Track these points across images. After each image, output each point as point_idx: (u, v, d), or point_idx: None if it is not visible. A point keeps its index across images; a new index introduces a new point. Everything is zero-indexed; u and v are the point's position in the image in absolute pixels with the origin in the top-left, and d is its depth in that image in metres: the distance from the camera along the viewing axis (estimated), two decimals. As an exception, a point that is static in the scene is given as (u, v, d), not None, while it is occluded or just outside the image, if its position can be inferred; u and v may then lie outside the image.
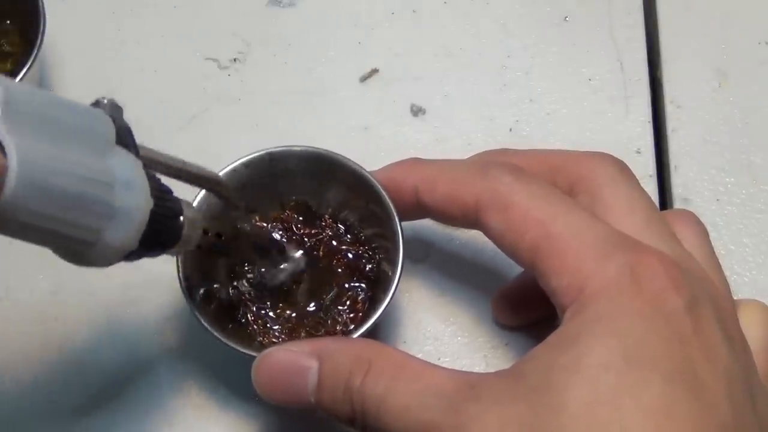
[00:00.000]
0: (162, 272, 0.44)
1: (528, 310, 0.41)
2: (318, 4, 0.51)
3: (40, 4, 0.43)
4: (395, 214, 0.38)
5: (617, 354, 0.28)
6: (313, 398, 0.33)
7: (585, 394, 0.28)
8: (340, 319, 0.39)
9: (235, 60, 0.49)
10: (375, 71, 0.49)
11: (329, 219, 0.41)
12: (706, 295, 0.31)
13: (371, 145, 0.47)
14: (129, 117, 0.47)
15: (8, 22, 0.46)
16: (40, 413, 0.42)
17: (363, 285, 0.40)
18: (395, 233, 0.38)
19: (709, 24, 0.50)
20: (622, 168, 0.36)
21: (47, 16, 0.43)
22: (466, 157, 0.41)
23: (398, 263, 0.37)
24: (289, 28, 0.50)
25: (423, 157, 0.39)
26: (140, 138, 0.47)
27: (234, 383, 0.42)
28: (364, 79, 0.49)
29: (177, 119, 0.48)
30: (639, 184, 0.36)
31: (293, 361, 0.33)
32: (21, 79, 0.42)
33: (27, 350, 0.43)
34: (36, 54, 0.43)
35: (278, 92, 0.49)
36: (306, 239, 0.41)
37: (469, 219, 0.35)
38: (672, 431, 0.27)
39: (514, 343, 0.43)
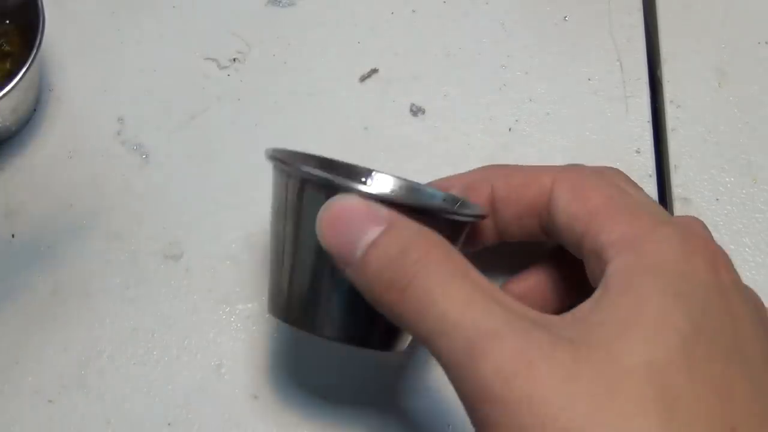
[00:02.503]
0: (162, 272, 0.44)
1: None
2: (318, 3, 0.51)
3: (40, 4, 0.43)
4: None
5: (686, 320, 0.28)
6: (360, 253, 0.31)
7: (654, 358, 0.27)
8: None
9: (234, 60, 0.49)
10: (374, 71, 0.49)
11: None
12: (738, 276, 0.32)
13: (370, 145, 0.47)
14: (129, 116, 0.48)
15: (8, 21, 0.46)
16: (40, 413, 0.42)
17: None
18: None
19: (709, 24, 0.50)
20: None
21: (47, 16, 0.43)
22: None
23: None
24: (288, 28, 0.50)
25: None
26: (140, 137, 0.47)
27: (231, 380, 0.42)
28: (363, 79, 0.49)
29: (176, 119, 0.48)
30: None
31: (365, 210, 0.31)
32: (20, 78, 0.42)
33: (27, 350, 0.43)
34: (36, 54, 0.43)
35: (278, 92, 0.49)
36: None
37: (541, 202, 0.35)
38: (732, 409, 0.27)
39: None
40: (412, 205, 0.32)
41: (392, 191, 0.38)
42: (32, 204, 0.46)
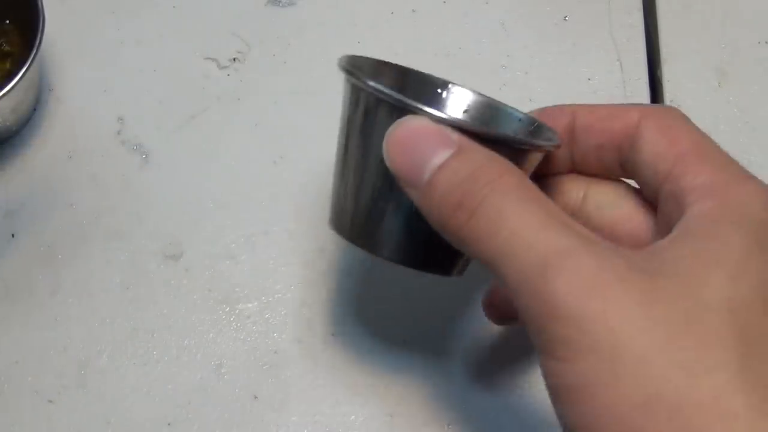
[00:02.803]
0: (162, 272, 0.44)
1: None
2: (317, 3, 0.51)
3: (40, 3, 0.43)
4: None
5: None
6: (429, 175, 0.30)
7: (736, 297, 0.27)
8: None
9: (234, 60, 0.49)
10: (375, 71, 0.49)
11: None
12: None
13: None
14: (129, 116, 0.48)
15: (8, 21, 0.46)
16: (40, 413, 0.42)
17: None
18: None
19: (709, 24, 0.50)
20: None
21: (47, 16, 0.43)
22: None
23: None
24: (288, 28, 0.50)
25: None
26: (140, 137, 0.47)
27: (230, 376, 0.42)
28: (363, 78, 0.49)
29: (176, 119, 0.48)
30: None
31: (436, 132, 0.31)
32: (20, 78, 0.42)
33: (27, 350, 0.43)
34: (35, 54, 0.43)
35: (278, 92, 0.48)
36: None
37: (626, 135, 0.34)
38: None
39: (514, 343, 0.43)
40: (483, 133, 0.31)
41: (468, 106, 0.37)
42: (32, 204, 0.46)
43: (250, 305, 0.44)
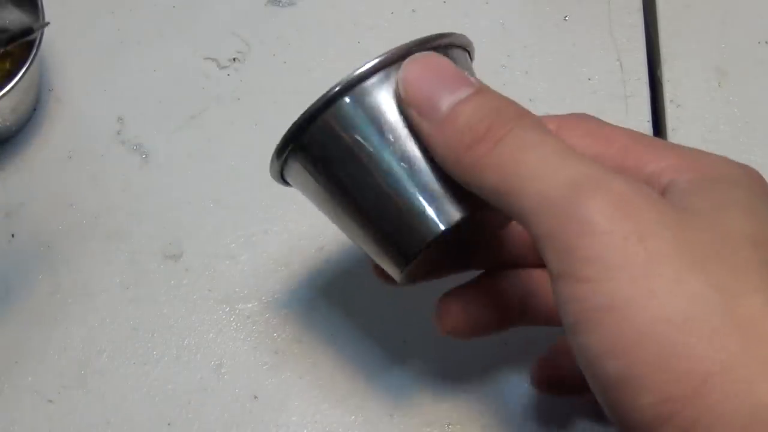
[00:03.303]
0: (162, 272, 0.44)
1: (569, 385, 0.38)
2: (317, 3, 0.51)
3: (40, 3, 0.43)
4: None
5: None
6: (447, 106, 0.30)
7: (755, 231, 0.27)
8: None
9: (234, 60, 0.49)
10: (375, 71, 0.49)
11: None
12: None
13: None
14: (129, 116, 0.48)
15: (8, 21, 0.46)
16: (40, 413, 0.42)
17: None
18: None
19: (709, 24, 0.50)
20: None
21: (47, 16, 0.43)
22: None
23: None
24: (288, 28, 0.50)
25: None
26: (140, 137, 0.47)
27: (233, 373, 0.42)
28: (363, 78, 0.49)
29: (176, 119, 0.48)
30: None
31: (456, 70, 0.31)
32: (20, 78, 0.42)
33: (27, 350, 0.43)
34: (35, 53, 0.43)
35: (278, 92, 0.48)
36: None
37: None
38: None
39: (514, 342, 0.43)
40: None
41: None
42: (32, 204, 0.46)
43: (250, 305, 0.44)
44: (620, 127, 0.33)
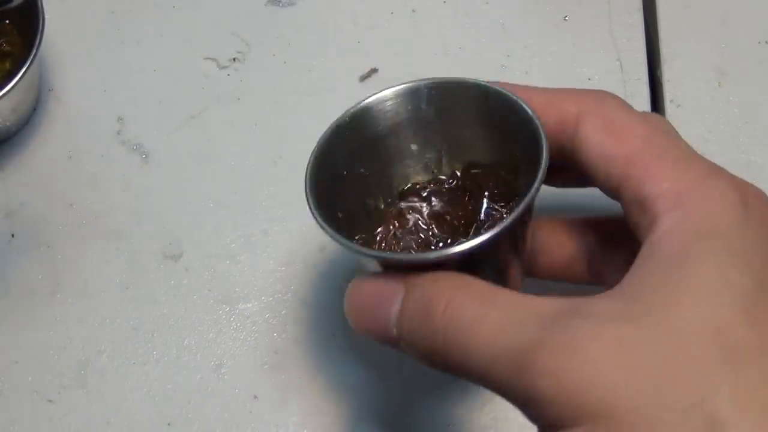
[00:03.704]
0: (162, 271, 0.45)
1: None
2: (317, 3, 0.51)
3: (40, 3, 0.43)
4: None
5: (746, 274, 0.27)
6: (395, 329, 0.31)
7: (718, 316, 0.26)
8: None
9: (234, 60, 0.49)
10: (374, 71, 0.49)
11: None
12: None
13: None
14: (129, 116, 0.48)
15: (7, 21, 0.46)
16: (40, 413, 0.42)
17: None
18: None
19: (709, 24, 0.50)
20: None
21: (47, 16, 0.43)
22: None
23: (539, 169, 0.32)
24: (288, 28, 0.50)
25: None
26: (140, 137, 0.47)
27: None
28: (363, 78, 0.49)
29: (176, 119, 0.48)
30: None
31: (380, 289, 0.32)
32: (20, 78, 0.42)
33: (27, 350, 0.43)
34: (35, 53, 0.43)
35: (277, 92, 0.49)
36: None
37: (566, 130, 0.33)
38: None
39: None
40: (405, 261, 0.32)
41: (429, 97, 0.35)
42: (32, 204, 0.46)
43: (250, 305, 0.44)
44: (637, 121, 0.32)
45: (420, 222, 0.37)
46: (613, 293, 0.28)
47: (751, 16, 0.50)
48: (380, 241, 0.36)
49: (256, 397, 0.42)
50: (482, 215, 0.36)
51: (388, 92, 0.36)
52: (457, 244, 0.31)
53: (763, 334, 0.26)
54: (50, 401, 0.42)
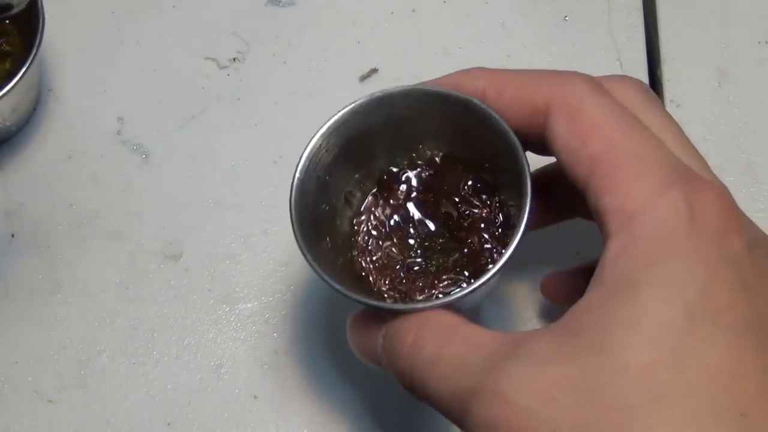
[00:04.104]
0: (162, 272, 0.45)
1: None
2: (317, 3, 0.51)
3: (40, 3, 0.43)
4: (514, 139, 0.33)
5: (679, 308, 0.26)
6: (383, 358, 0.33)
7: (645, 355, 0.26)
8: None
9: (234, 59, 0.49)
10: (374, 71, 0.49)
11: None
12: (759, 234, 0.30)
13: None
14: (129, 116, 0.48)
15: (7, 21, 0.46)
16: (40, 413, 0.42)
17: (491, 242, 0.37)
18: (517, 161, 0.32)
19: (709, 24, 0.50)
20: (597, 86, 0.32)
21: (46, 16, 0.43)
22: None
23: (525, 203, 0.32)
24: (288, 28, 0.50)
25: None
26: (140, 137, 0.47)
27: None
28: (363, 78, 0.49)
29: (176, 119, 0.48)
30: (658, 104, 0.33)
31: (368, 324, 0.34)
32: (20, 78, 0.42)
33: (27, 350, 0.43)
34: (35, 53, 0.43)
35: (277, 92, 0.48)
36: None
37: (537, 123, 0.32)
38: (739, 391, 0.26)
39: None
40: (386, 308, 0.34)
41: (408, 106, 0.35)
42: (32, 204, 0.46)
43: (250, 305, 0.44)
44: (603, 116, 0.31)
45: (399, 212, 0.38)
46: (554, 328, 0.29)
47: (751, 16, 0.50)
48: (362, 235, 0.38)
49: (256, 397, 0.42)
50: (459, 207, 0.37)
51: (362, 101, 0.36)
52: (438, 298, 0.34)
53: (687, 374, 0.26)
54: (50, 401, 0.42)
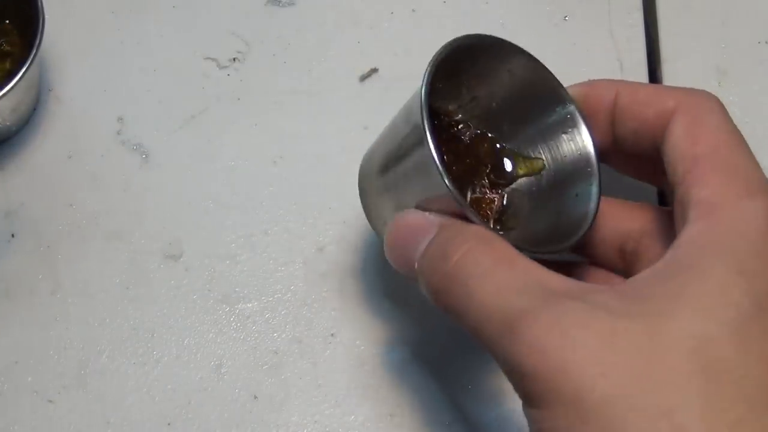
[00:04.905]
0: (162, 271, 0.45)
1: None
2: (317, 3, 0.51)
3: (40, 3, 0.43)
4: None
5: (749, 296, 0.28)
6: (417, 263, 0.33)
7: (711, 328, 0.27)
8: None
9: (234, 59, 0.49)
10: (374, 71, 0.49)
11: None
12: None
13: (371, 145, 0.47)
14: (129, 116, 0.48)
15: (8, 21, 0.46)
16: (40, 413, 0.42)
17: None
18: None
19: (709, 23, 0.50)
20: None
21: (47, 16, 0.43)
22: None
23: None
24: (288, 28, 0.50)
25: None
26: (140, 137, 0.47)
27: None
28: (363, 78, 0.49)
29: (176, 119, 0.48)
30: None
31: (418, 224, 0.33)
32: (20, 78, 0.42)
33: (27, 350, 0.43)
34: (35, 53, 0.43)
35: (277, 92, 0.48)
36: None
37: (659, 124, 0.34)
38: None
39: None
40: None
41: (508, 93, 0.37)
42: (32, 204, 0.46)
43: (250, 305, 0.44)
44: (720, 127, 0.33)
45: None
46: (618, 288, 0.29)
47: (751, 16, 0.50)
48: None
49: (256, 397, 0.42)
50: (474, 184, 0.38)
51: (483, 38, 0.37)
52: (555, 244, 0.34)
53: (749, 356, 0.27)
54: (50, 401, 0.42)
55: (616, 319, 0.27)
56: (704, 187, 0.31)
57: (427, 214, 0.33)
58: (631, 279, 0.30)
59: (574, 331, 0.27)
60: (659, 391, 0.26)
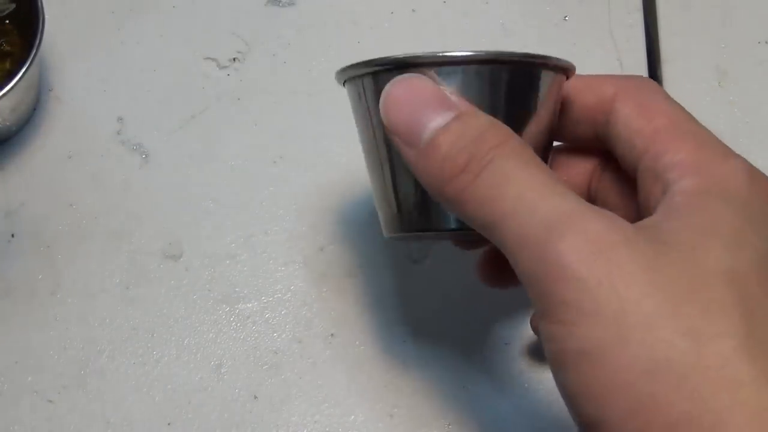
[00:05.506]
0: (162, 271, 0.45)
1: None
2: (317, 3, 0.51)
3: (40, 3, 0.43)
4: None
5: (761, 239, 0.28)
6: (429, 135, 0.29)
7: (735, 266, 0.27)
8: None
9: (234, 59, 0.49)
10: (375, 71, 0.49)
11: None
12: None
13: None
14: (129, 116, 0.48)
15: (8, 21, 0.46)
16: (40, 413, 0.42)
17: None
18: None
19: (709, 24, 0.50)
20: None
21: (47, 16, 0.43)
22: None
23: None
24: (288, 28, 0.50)
25: None
26: (140, 137, 0.47)
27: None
28: (363, 78, 0.49)
29: (176, 119, 0.48)
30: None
31: (438, 94, 0.30)
32: (20, 78, 0.42)
33: (27, 350, 0.43)
34: (35, 53, 0.43)
35: (278, 92, 0.48)
36: None
37: (602, 110, 0.34)
38: None
39: (515, 343, 0.43)
40: (493, 59, 0.31)
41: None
42: (32, 204, 0.46)
43: (250, 305, 0.44)
44: (669, 104, 0.33)
45: None
46: (640, 223, 0.28)
47: (751, 16, 0.50)
48: None
49: (256, 397, 0.42)
50: None
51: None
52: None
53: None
54: (50, 401, 0.42)
55: (657, 244, 0.27)
56: (678, 152, 0.30)
57: (442, 88, 0.30)
58: (643, 221, 0.29)
59: (623, 245, 0.26)
60: (705, 318, 0.26)
